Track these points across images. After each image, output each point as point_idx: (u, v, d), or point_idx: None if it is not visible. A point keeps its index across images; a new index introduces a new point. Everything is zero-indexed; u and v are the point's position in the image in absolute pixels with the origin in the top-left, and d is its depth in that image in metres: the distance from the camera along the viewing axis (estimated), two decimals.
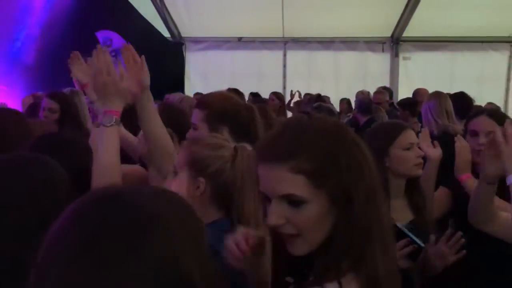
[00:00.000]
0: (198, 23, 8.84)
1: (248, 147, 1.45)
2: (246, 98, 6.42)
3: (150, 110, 1.66)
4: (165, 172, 1.59)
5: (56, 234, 0.63)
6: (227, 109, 1.87)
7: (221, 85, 7.51)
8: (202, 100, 1.97)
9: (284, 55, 9.21)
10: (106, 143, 1.44)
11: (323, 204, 0.93)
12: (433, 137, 2.38)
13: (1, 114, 2.09)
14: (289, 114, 6.57)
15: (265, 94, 6.86)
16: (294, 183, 0.92)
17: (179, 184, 1.40)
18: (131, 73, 1.59)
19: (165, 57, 8.21)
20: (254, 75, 8.73)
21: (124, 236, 0.62)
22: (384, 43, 9.02)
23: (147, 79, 1.62)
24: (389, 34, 8.96)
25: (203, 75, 9.15)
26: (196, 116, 1.88)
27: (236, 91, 6.17)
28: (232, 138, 1.77)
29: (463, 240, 1.80)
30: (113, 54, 7.88)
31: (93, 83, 1.51)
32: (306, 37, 8.95)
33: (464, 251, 1.81)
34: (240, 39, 9.18)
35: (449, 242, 1.80)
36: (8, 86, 7.23)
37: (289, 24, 8.59)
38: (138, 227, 0.63)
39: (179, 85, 8.44)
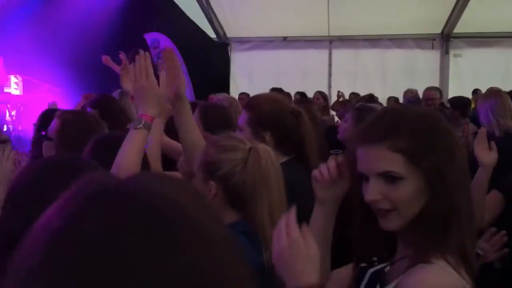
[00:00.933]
0: (243, 23, 8.89)
1: (265, 147, 1.44)
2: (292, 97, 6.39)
3: (187, 117, 1.67)
4: None
5: None
6: (272, 113, 1.87)
7: (266, 85, 7.57)
8: (250, 102, 1.98)
9: (330, 53, 9.11)
10: (129, 143, 1.45)
11: (418, 182, 1.02)
12: (493, 138, 2.25)
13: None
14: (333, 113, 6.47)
15: (310, 94, 6.80)
16: (393, 161, 1.02)
17: (196, 186, 1.41)
18: (169, 78, 1.60)
19: (210, 58, 8.33)
20: (298, 75, 8.68)
21: None
22: (434, 39, 8.74)
23: (183, 87, 1.63)
24: (439, 31, 8.67)
25: (248, 75, 9.19)
26: (242, 117, 1.90)
27: (280, 90, 6.19)
28: (275, 142, 1.76)
29: (505, 238, 1.78)
30: (160, 55, 8.05)
31: (133, 86, 1.53)
32: (352, 35, 8.81)
33: (506, 250, 1.79)
34: (285, 38, 9.16)
35: (492, 240, 1.76)
36: (61, 87, 7.55)
37: (334, 22, 8.49)
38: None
39: (224, 86, 8.52)
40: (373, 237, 1.12)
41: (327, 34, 8.91)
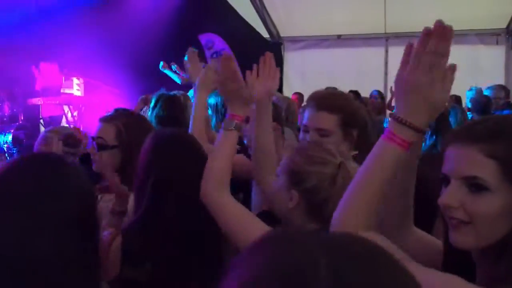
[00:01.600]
0: (297, 23, 8.82)
1: (354, 165, 1.37)
2: None
3: (267, 119, 1.67)
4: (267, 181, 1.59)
5: None
6: (357, 111, 1.83)
7: (319, 85, 7.40)
8: (330, 103, 1.81)
9: (386, 51, 8.85)
10: (221, 145, 1.44)
11: (508, 199, 0.86)
12: None
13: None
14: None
15: (365, 93, 6.64)
16: (483, 166, 0.88)
17: (277, 189, 1.38)
18: (261, 79, 1.64)
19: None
20: (353, 73, 8.48)
21: None
22: (499, 35, 8.28)
23: (275, 88, 1.67)
24: (504, 25, 8.20)
25: (300, 75, 9.10)
26: (327, 121, 1.77)
27: (334, 89, 6.08)
28: (357, 139, 1.72)
29: None
30: (215, 56, 8.14)
31: (221, 88, 1.54)
32: (410, 32, 8.50)
33: None
34: (339, 36, 9.00)
35: None
36: (120, 88, 7.79)
37: (391, 19, 8.23)
38: None
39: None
40: (453, 252, 0.97)
41: (383, 32, 8.66)
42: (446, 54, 1.01)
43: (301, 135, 1.91)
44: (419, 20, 8.40)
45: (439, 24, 1.00)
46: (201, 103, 2.12)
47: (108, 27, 7.23)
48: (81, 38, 7.06)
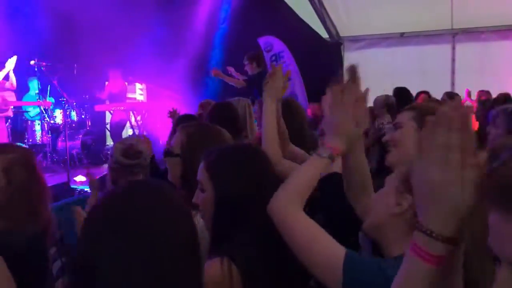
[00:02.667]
0: (357, 21, 8.62)
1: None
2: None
3: (360, 155, 1.48)
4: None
5: None
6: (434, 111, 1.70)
7: (381, 85, 7.22)
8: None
9: (453, 48, 8.43)
10: (308, 166, 1.34)
11: None
12: None
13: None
14: None
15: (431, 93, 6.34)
16: None
17: (384, 193, 1.29)
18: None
19: (323, 58, 8.18)
20: (417, 73, 8.14)
21: None
22: None
23: (366, 119, 1.42)
24: None
25: (362, 75, 8.84)
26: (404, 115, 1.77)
27: (403, 90, 5.84)
28: None
29: None
30: (274, 58, 8.11)
31: (327, 117, 1.39)
32: (479, 27, 8.05)
33: None
34: (402, 34, 8.69)
35: None
36: (180, 94, 7.94)
37: (459, 14, 7.82)
38: None
39: None
40: None
41: (450, 27, 8.25)
42: (465, 147, 0.77)
43: None
44: (489, 14, 7.98)
45: (454, 107, 0.78)
46: (270, 112, 1.99)
47: (169, 33, 7.41)
48: (144, 44, 7.27)
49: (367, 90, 1.43)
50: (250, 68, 5.96)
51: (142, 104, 8.32)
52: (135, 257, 0.87)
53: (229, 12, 7.63)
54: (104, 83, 8.79)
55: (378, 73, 8.29)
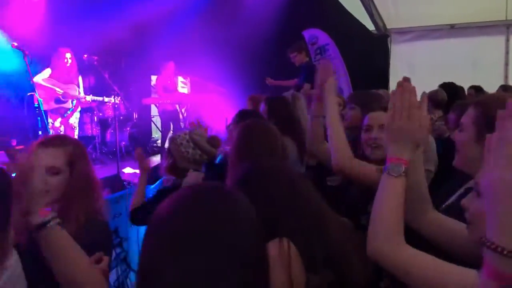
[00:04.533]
0: (405, 13, 8.37)
1: None
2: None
3: (419, 161, 1.39)
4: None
5: None
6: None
7: (430, 78, 7.00)
8: (481, 100, 1.62)
9: (507, 40, 8.06)
10: (388, 195, 1.22)
11: None
12: None
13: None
14: None
15: (482, 86, 6.10)
16: None
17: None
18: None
19: (369, 51, 8.02)
20: (468, 66, 7.83)
21: None
22: None
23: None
24: None
25: (409, 68, 8.63)
26: (468, 115, 1.60)
27: (451, 85, 5.65)
28: None
29: None
30: (318, 51, 8.03)
31: (389, 124, 1.29)
32: None
33: None
34: (452, 26, 8.38)
35: None
36: (225, 87, 7.99)
37: None
38: None
39: (383, 80, 8.13)
40: None
41: (504, 18, 7.89)
42: None
43: None
44: None
45: None
46: (335, 111, 1.95)
47: (214, 26, 7.45)
48: (190, 38, 7.34)
49: (424, 94, 1.34)
50: (299, 58, 6.05)
51: (187, 97, 8.42)
52: (214, 271, 0.85)
53: (274, 5, 7.57)
54: (150, 77, 8.96)
55: (427, 66, 8.06)
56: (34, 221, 1.27)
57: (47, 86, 5.83)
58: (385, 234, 1.16)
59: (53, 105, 5.92)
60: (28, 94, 5.63)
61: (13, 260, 1.31)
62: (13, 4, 6.00)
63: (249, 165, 1.46)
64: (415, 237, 1.33)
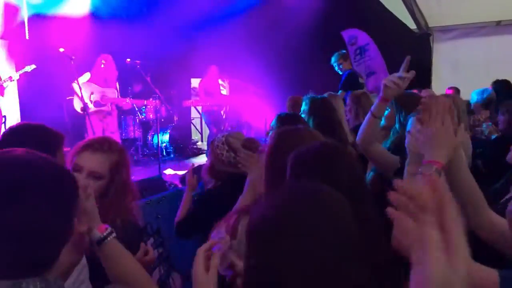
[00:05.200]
0: (448, 10, 8.13)
1: None
2: None
3: (461, 161, 1.41)
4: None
5: None
6: None
7: (475, 77, 6.81)
8: None
9: None
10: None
11: None
12: None
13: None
14: None
15: None
16: None
17: None
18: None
19: (410, 51, 7.82)
20: None
21: None
22: None
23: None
24: None
25: (453, 67, 8.38)
26: None
27: (506, 82, 5.47)
28: None
29: None
30: (358, 52, 7.92)
31: (424, 129, 1.36)
32: None
33: None
34: (498, 23, 8.09)
35: None
36: (264, 89, 8.00)
37: None
38: None
39: (426, 79, 7.93)
40: None
41: None
42: None
43: None
44: None
45: None
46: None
47: (255, 28, 7.48)
48: (229, 41, 7.41)
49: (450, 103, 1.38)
50: (344, 66, 6.16)
51: (227, 99, 8.49)
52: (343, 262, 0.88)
53: (314, 5, 7.53)
54: (190, 80, 9.09)
55: (472, 65, 7.82)
56: (94, 237, 1.37)
57: (86, 89, 6.01)
58: None
59: (93, 108, 6.10)
60: (68, 98, 5.83)
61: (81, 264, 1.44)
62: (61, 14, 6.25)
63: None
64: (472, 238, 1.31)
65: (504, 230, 1.28)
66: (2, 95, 5.67)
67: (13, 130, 1.81)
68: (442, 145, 1.30)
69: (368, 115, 2.13)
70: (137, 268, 1.44)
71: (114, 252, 1.39)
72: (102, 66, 6.15)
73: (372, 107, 2.12)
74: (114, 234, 1.40)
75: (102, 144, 1.78)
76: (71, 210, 1.01)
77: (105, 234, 1.37)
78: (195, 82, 8.83)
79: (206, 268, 1.16)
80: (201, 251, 1.19)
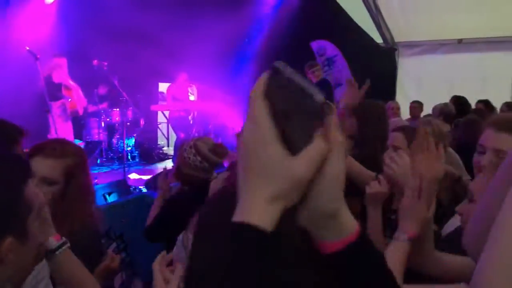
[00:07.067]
0: (413, 27, 8.39)
1: None
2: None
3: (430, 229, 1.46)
4: None
5: None
6: None
7: (437, 93, 7.01)
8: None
9: None
10: (394, 258, 1.33)
11: None
12: None
13: None
14: None
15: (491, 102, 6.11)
16: None
17: None
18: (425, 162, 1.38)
19: (376, 64, 8.03)
20: (476, 81, 7.84)
21: None
22: None
23: (440, 171, 1.37)
24: None
25: (416, 82, 8.64)
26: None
27: (461, 98, 5.67)
28: None
29: None
30: (326, 63, 8.05)
31: (405, 202, 1.38)
32: None
33: None
34: (460, 41, 8.40)
35: None
36: (231, 95, 8.01)
37: None
38: None
39: (390, 93, 8.14)
40: None
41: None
42: None
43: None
44: None
45: None
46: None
47: (221, 35, 7.49)
48: (196, 46, 7.38)
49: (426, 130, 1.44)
50: (317, 75, 6.15)
51: (194, 104, 8.45)
52: None
53: (283, 16, 7.63)
54: (157, 84, 9.00)
55: (435, 80, 8.07)
56: (49, 246, 1.29)
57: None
58: None
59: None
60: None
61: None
62: (26, 10, 6.08)
63: None
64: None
65: (453, 265, 1.37)
66: None
67: None
68: (416, 218, 1.34)
69: None
70: (91, 284, 1.39)
71: (67, 264, 1.33)
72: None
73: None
74: (68, 245, 1.33)
75: (54, 149, 1.71)
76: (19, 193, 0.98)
77: (59, 243, 1.30)
78: (162, 87, 8.75)
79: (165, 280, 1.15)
80: (156, 265, 1.19)
